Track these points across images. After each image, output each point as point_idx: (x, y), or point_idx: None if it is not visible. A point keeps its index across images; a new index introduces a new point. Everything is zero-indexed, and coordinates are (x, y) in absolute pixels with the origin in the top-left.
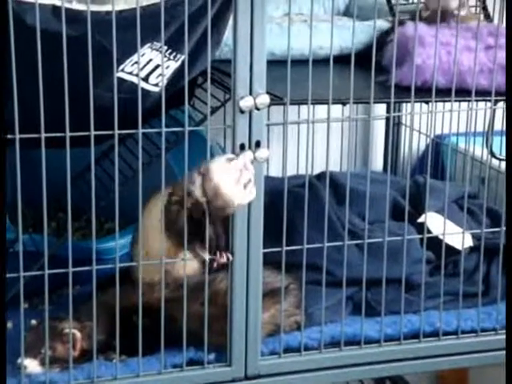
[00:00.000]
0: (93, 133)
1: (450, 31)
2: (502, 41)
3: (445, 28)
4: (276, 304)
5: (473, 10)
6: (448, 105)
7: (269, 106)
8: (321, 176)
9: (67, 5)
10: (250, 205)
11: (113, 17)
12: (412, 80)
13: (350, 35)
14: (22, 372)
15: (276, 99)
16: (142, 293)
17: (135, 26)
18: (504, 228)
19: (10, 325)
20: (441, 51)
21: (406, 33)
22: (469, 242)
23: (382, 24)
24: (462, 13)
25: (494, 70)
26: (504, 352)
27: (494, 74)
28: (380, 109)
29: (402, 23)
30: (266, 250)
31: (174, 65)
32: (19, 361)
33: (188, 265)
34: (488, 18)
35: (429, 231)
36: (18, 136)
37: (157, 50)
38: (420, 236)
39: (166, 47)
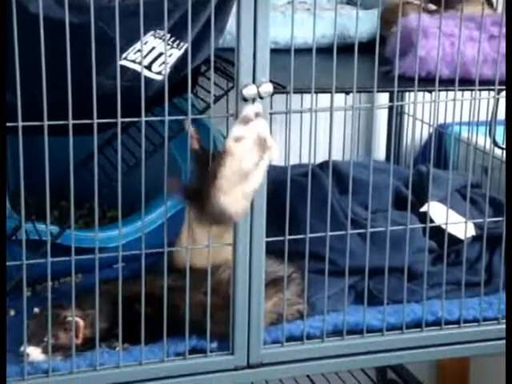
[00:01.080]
0: (96, 121)
1: (453, 22)
2: None
3: (448, 18)
4: (279, 293)
5: None
6: (451, 94)
7: (272, 95)
8: (323, 165)
9: None
10: None
11: (116, 4)
12: (415, 71)
13: (353, 24)
14: (25, 360)
15: (279, 88)
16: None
17: (138, 13)
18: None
19: (12, 312)
20: (444, 42)
21: (409, 24)
22: (471, 231)
23: None
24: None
25: (497, 59)
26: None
27: (497, 63)
28: (383, 98)
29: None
30: (268, 239)
31: (177, 53)
32: (22, 348)
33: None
34: (491, 7)
35: (431, 220)
36: (20, 123)
37: (160, 38)
38: (423, 225)
39: (169, 35)
